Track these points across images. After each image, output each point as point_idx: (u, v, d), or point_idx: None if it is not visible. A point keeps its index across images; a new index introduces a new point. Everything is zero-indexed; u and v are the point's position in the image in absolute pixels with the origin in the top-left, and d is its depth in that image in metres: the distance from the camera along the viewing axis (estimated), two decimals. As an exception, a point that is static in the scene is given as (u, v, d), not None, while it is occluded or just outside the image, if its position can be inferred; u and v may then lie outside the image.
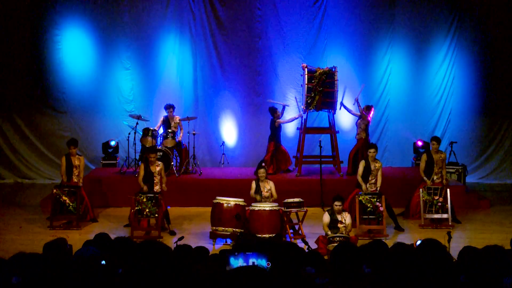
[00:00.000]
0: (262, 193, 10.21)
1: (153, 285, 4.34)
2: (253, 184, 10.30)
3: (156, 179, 10.59)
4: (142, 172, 10.70)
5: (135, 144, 12.92)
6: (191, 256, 5.29)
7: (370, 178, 10.73)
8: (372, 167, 10.72)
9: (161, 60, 14.82)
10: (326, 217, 9.44)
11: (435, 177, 11.19)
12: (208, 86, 14.94)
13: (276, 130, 12.90)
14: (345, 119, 14.50)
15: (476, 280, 4.61)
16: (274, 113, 13.02)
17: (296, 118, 13.20)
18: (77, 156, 11.26)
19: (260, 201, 10.17)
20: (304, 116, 12.89)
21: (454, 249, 5.57)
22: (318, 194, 12.01)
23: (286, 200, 10.13)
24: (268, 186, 10.26)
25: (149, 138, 12.54)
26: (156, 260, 4.85)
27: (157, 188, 10.54)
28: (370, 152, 10.80)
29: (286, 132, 14.52)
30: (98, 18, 14.63)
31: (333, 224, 9.41)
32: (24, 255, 4.84)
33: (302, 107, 12.71)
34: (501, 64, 14.80)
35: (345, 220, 9.46)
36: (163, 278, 4.40)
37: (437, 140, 11.35)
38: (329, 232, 9.33)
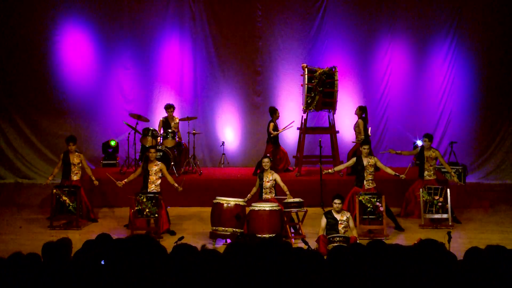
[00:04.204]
0: (264, 183, 10.26)
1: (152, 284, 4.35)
2: (257, 183, 10.41)
3: (152, 178, 10.55)
4: (139, 169, 10.73)
5: (135, 144, 12.92)
6: (192, 256, 5.28)
7: (365, 175, 10.72)
8: (365, 162, 10.71)
9: (161, 60, 14.83)
10: (323, 222, 9.44)
11: (426, 173, 11.27)
12: (208, 86, 14.95)
13: (273, 135, 12.89)
14: (345, 119, 14.50)
15: (479, 280, 4.62)
16: (274, 113, 13.03)
17: (289, 127, 13.21)
18: (76, 153, 11.26)
19: (258, 200, 10.21)
20: (304, 116, 12.90)
21: (454, 249, 5.57)
22: (318, 194, 12.01)
23: (286, 200, 10.14)
24: (270, 177, 10.33)
25: (149, 138, 12.54)
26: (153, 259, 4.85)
27: (152, 187, 10.51)
28: (364, 148, 10.82)
29: (286, 132, 14.52)
30: (98, 18, 14.65)
31: (333, 226, 9.39)
32: (20, 255, 4.85)
33: (302, 107, 12.72)
34: (501, 64, 14.80)
35: (345, 219, 9.46)
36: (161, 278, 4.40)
37: (429, 137, 11.44)
38: None
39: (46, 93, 14.78)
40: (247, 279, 4.50)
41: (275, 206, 9.79)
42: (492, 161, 14.99)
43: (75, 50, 14.75)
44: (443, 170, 13.05)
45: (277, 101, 14.59)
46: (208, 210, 10.29)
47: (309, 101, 12.31)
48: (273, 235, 9.51)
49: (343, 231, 9.34)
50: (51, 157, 14.68)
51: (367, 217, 10.30)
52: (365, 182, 10.73)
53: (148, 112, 14.44)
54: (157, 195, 10.27)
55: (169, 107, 13.23)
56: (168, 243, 8.71)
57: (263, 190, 10.35)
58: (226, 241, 9.88)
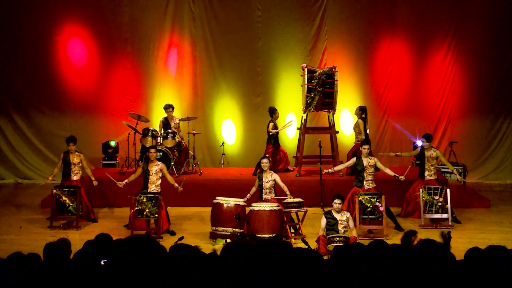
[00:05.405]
0: (263, 183, 10.27)
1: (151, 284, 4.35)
2: (256, 183, 10.41)
3: (152, 178, 10.54)
4: (139, 169, 10.73)
5: (135, 144, 12.92)
6: (192, 256, 5.28)
7: (365, 175, 10.70)
8: (365, 162, 10.70)
9: (161, 60, 14.83)
10: (323, 222, 9.42)
11: (426, 173, 11.28)
12: (208, 86, 14.95)
13: (272, 133, 12.89)
14: (345, 119, 14.51)
15: (479, 280, 4.62)
16: (273, 113, 13.03)
17: (287, 126, 13.27)
18: (76, 153, 11.26)
19: (258, 200, 10.22)
20: (304, 117, 12.90)
21: (454, 249, 5.57)
22: (318, 194, 12.02)
23: (286, 200, 10.14)
24: (270, 177, 10.33)
25: (149, 138, 12.54)
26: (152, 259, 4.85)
27: (152, 187, 10.51)
28: (364, 148, 10.81)
29: (286, 132, 14.54)
30: (98, 18, 14.64)
31: (333, 226, 9.38)
32: (20, 255, 4.85)
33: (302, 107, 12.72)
34: (501, 64, 14.80)
35: (345, 219, 9.43)
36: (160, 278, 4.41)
37: (429, 137, 11.46)
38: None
39: (46, 93, 14.78)
40: (247, 279, 4.51)
41: (275, 206, 9.79)
42: (492, 161, 15.00)
43: (75, 50, 14.75)
44: (442, 170, 13.06)
45: (277, 101, 14.58)
46: (208, 210, 10.30)
47: (309, 101, 12.31)
48: (273, 235, 9.51)
49: (343, 231, 9.33)
50: (51, 157, 14.68)
51: (367, 217, 10.30)
52: (365, 182, 10.72)
53: (148, 112, 14.45)
54: (157, 195, 10.27)
55: (168, 107, 13.23)
56: (168, 243, 8.69)
57: (263, 190, 10.35)
58: (226, 241, 9.87)
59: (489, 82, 14.81)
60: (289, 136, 14.69)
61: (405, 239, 6.30)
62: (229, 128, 15.01)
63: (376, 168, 10.97)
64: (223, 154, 14.23)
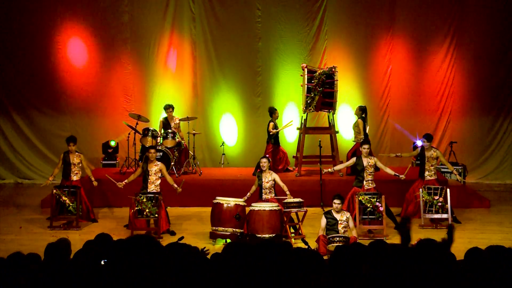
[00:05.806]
0: (263, 183, 10.27)
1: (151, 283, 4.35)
2: (256, 182, 10.41)
3: (151, 178, 10.54)
4: (139, 170, 10.73)
5: (135, 144, 12.92)
6: (192, 256, 5.28)
7: (365, 175, 10.70)
8: (365, 162, 10.70)
9: (161, 60, 14.83)
10: (323, 222, 9.41)
11: (426, 173, 11.28)
12: (208, 86, 14.95)
13: (272, 133, 12.90)
14: (345, 119, 14.51)
15: (479, 280, 4.62)
16: (273, 113, 13.04)
17: (288, 126, 13.29)
18: (76, 153, 11.27)
19: (258, 200, 10.22)
20: (304, 117, 12.90)
21: (454, 249, 5.56)
22: (318, 194, 12.02)
23: (286, 200, 10.14)
24: (269, 177, 10.33)
25: (149, 138, 12.55)
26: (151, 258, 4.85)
27: (152, 187, 10.51)
28: (364, 148, 10.80)
29: (286, 132, 14.54)
30: (98, 18, 14.64)
31: (333, 226, 9.37)
32: (20, 255, 4.85)
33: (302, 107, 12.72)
34: (501, 64, 14.80)
35: (345, 219, 9.43)
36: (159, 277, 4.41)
37: (429, 137, 11.45)
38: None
39: (46, 93, 14.78)
40: (247, 279, 4.51)
41: (275, 206, 9.79)
42: (492, 161, 15.00)
43: (76, 50, 14.74)
44: (442, 170, 13.06)
45: (277, 101, 14.59)
46: (208, 210, 10.30)
47: (308, 101, 12.31)
48: (273, 235, 9.51)
49: (343, 231, 9.33)
50: (51, 157, 14.68)
51: (367, 217, 10.31)
52: (365, 182, 10.72)
53: (148, 112, 14.45)
54: (157, 195, 10.27)
55: (168, 107, 13.24)
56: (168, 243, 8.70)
57: (263, 190, 10.36)
58: (226, 241, 9.88)
59: (489, 82, 14.81)
60: (289, 140, 14.67)
61: (402, 226, 6.11)
62: (229, 128, 15.01)
63: (376, 168, 10.97)
64: (223, 154, 14.24)
